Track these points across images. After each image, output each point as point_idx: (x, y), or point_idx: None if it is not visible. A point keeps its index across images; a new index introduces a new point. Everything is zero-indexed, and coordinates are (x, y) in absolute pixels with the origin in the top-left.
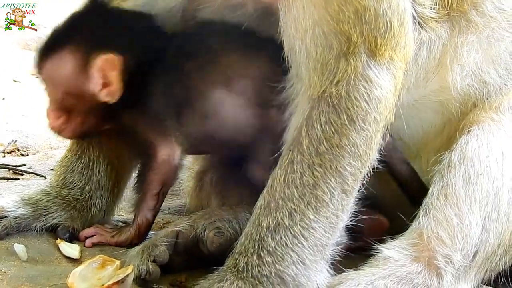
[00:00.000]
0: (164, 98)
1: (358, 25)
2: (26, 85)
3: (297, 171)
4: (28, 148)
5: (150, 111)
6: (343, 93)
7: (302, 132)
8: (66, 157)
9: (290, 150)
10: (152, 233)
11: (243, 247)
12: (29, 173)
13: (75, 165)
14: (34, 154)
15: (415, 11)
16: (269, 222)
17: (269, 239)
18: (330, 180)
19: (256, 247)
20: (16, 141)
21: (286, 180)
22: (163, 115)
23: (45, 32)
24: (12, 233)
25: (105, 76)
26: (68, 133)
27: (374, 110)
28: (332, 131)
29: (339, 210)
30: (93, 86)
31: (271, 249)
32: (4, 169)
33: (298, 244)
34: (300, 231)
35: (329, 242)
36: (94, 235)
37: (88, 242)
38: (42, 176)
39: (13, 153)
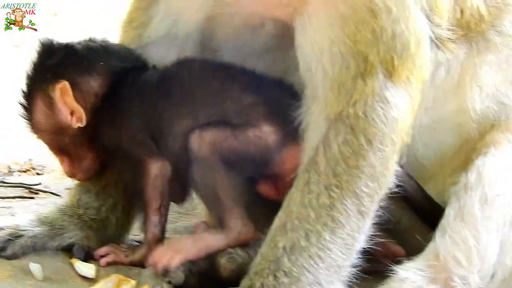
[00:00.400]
0: (138, 118)
1: (375, 45)
2: None
3: (313, 192)
4: (44, 167)
5: (128, 130)
6: (360, 114)
7: (319, 153)
8: None
9: (306, 171)
10: None
11: (259, 267)
12: (45, 192)
13: (91, 186)
14: (50, 173)
15: (432, 32)
16: (285, 243)
17: (285, 259)
18: (347, 201)
19: (272, 267)
20: (31, 160)
21: (302, 200)
22: (142, 132)
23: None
24: (28, 252)
25: (66, 103)
26: (80, 174)
27: (391, 131)
28: (350, 152)
29: (355, 231)
30: (63, 116)
31: (287, 270)
32: (20, 188)
33: (314, 265)
34: (317, 252)
35: (345, 263)
36: (109, 254)
37: (103, 261)
38: (57, 195)
39: (29, 172)
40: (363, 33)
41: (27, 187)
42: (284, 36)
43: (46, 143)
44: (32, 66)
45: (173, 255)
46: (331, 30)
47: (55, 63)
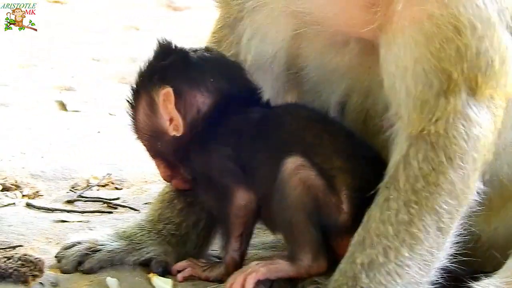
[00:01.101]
0: (233, 149)
1: (459, 63)
2: (121, 118)
3: (392, 208)
4: (123, 181)
5: (221, 157)
6: (442, 131)
7: (399, 170)
8: (165, 192)
9: (386, 187)
10: None
11: (337, 283)
12: (123, 206)
13: (174, 202)
14: (129, 188)
15: None
16: (363, 259)
17: (363, 276)
18: (426, 217)
19: (350, 284)
20: (110, 174)
21: (381, 217)
22: (233, 162)
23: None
24: (106, 267)
25: (167, 110)
26: (176, 180)
27: (473, 148)
28: (429, 169)
29: (434, 248)
30: (162, 121)
31: (364, 286)
32: (98, 203)
33: (392, 282)
34: (395, 268)
35: (423, 279)
36: (186, 269)
37: (180, 276)
38: (136, 210)
39: (107, 187)
40: (447, 51)
41: (106, 201)
42: (368, 54)
43: (143, 144)
44: (146, 64)
45: (246, 277)
46: (416, 48)
47: (165, 66)
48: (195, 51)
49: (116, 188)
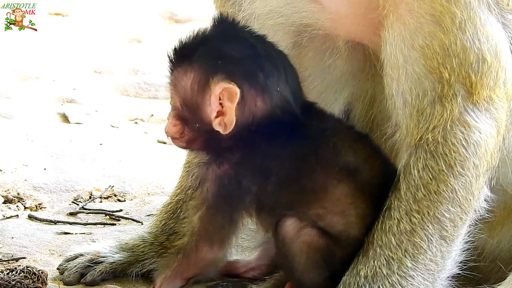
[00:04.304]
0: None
1: (446, 60)
2: (123, 130)
3: (394, 218)
4: (125, 193)
5: (241, 173)
6: (440, 139)
7: (400, 179)
8: (168, 204)
9: (388, 197)
10: None
11: None
12: (126, 218)
13: (179, 213)
14: (131, 199)
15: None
16: (366, 271)
17: None
18: (428, 226)
19: None
20: (113, 186)
21: (383, 227)
22: (250, 188)
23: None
24: (108, 278)
25: (221, 105)
26: (180, 143)
27: (473, 155)
28: (430, 177)
29: (438, 257)
30: (209, 111)
31: None
32: (101, 215)
33: None
34: (398, 280)
35: None
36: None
37: None
38: (138, 221)
39: (110, 199)
40: (431, 47)
41: (108, 213)
42: (370, 61)
43: (173, 102)
44: (212, 37)
45: None
46: (404, 46)
47: (235, 60)
48: (260, 40)
49: (119, 200)
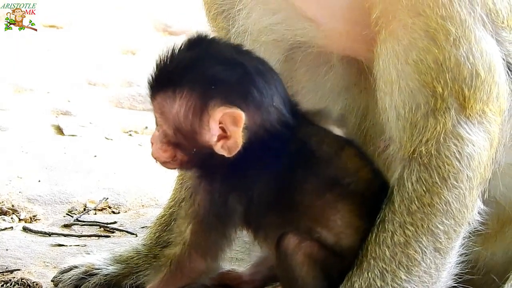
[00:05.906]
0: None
1: (440, 75)
2: (118, 142)
3: (388, 230)
4: (120, 206)
5: (238, 190)
6: (433, 152)
7: (393, 191)
8: (162, 216)
9: (381, 209)
10: None
11: None
12: (120, 230)
13: (172, 225)
14: (126, 212)
15: (508, 63)
16: (361, 283)
17: None
18: (422, 238)
19: None
20: (107, 198)
21: (377, 239)
22: (236, 203)
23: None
24: None
25: (223, 129)
26: (171, 166)
27: (466, 167)
28: (423, 190)
29: (433, 269)
30: (208, 136)
31: None
32: (95, 227)
33: None
34: None
35: None
36: None
37: None
38: (133, 234)
39: (104, 211)
40: (425, 62)
41: (103, 225)
42: (362, 74)
43: (162, 128)
44: (196, 60)
45: None
46: (397, 61)
47: (231, 84)
48: (245, 56)
49: (113, 212)
